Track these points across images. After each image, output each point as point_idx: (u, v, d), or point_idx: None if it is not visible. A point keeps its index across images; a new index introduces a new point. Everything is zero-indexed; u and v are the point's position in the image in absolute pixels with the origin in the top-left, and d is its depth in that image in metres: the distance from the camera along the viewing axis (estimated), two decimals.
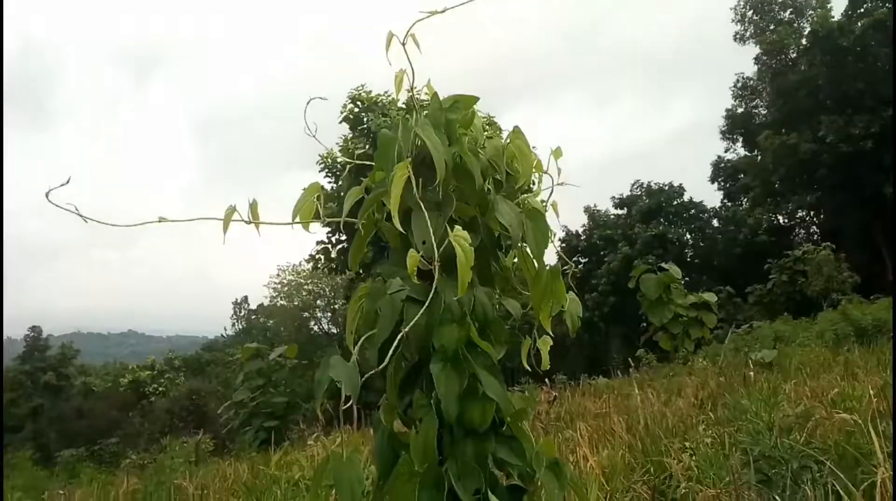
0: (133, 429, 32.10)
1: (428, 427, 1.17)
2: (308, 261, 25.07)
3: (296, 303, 48.64)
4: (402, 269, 1.32)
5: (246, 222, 1.30)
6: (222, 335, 53.80)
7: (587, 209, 34.92)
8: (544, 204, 1.53)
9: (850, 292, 19.62)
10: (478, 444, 1.22)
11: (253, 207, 1.30)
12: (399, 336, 1.16)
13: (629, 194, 34.97)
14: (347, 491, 1.06)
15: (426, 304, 1.21)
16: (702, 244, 33.43)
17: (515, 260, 1.54)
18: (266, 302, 50.39)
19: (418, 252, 1.22)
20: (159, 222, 1.26)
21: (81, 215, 1.27)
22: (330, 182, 22.76)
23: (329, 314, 47.40)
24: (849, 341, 12.67)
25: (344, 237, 22.71)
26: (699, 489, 2.94)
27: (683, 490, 3.01)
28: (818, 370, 8.28)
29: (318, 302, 48.32)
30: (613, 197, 35.32)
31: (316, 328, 47.81)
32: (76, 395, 40.59)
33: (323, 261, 23.86)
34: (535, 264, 1.44)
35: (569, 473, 1.29)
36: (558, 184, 1.49)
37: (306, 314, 48.36)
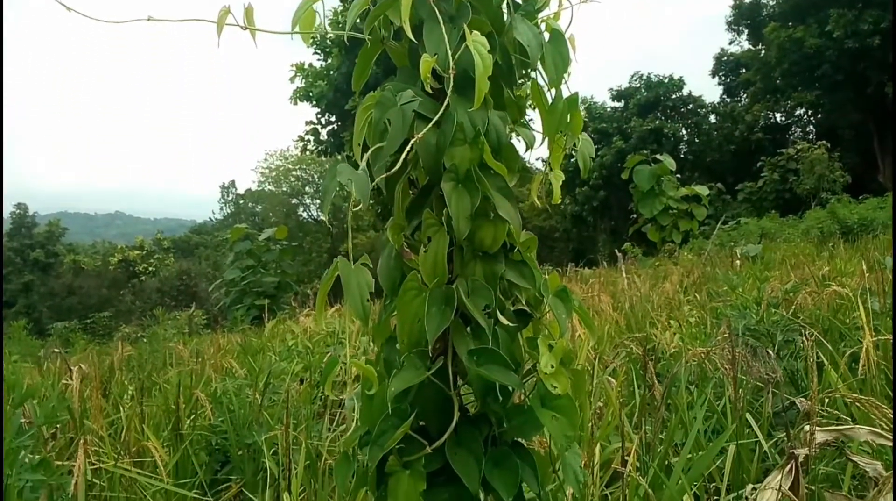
0: (125, 307, 32.65)
1: (438, 244, 1.12)
2: (296, 142, 24.57)
3: (284, 189, 48.34)
4: (411, 85, 1.22)
5: (241, 27, 1.19)
6: (210, 219, 53.84)
7: (584, 101, 34.18)
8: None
9: (840, 192, 19.72)
10: (488, 265, 1.18)
11: (248, 12, 1.18)
12: (409, 145, 1.08)
13: (628, 86, 34.16)
14: (356, 295, 1.02)
15: (436, 118, 1.13)
16: (697, 140, 33.08)
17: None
18: (254, 187, 50.09)
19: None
20: (148, 20, 1.16)
21: (66, 6, 1.15)
22: (319, 59, 21.93)
23: (318, 201, 47.24)
24: (834, 238, 12.87)
25: (334, 118, 22.15)
26: (688, 348, 3.01)
27: (674, 350, 3.09)
28: (802, 263, 8.41)
29: (307, 189, 48.02)
30: (611, 89, 34.51)
31: (305, 214, 47.80)
32: (66, 273, 40.94)
33: (312, 142, 23.39)
34: (552, 93, 1.34)
35: (576, 301, 1.25)
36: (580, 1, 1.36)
37: (295, 201, 48.19)
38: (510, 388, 1.24)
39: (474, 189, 1.15)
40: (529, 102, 1.44)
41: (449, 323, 1.10)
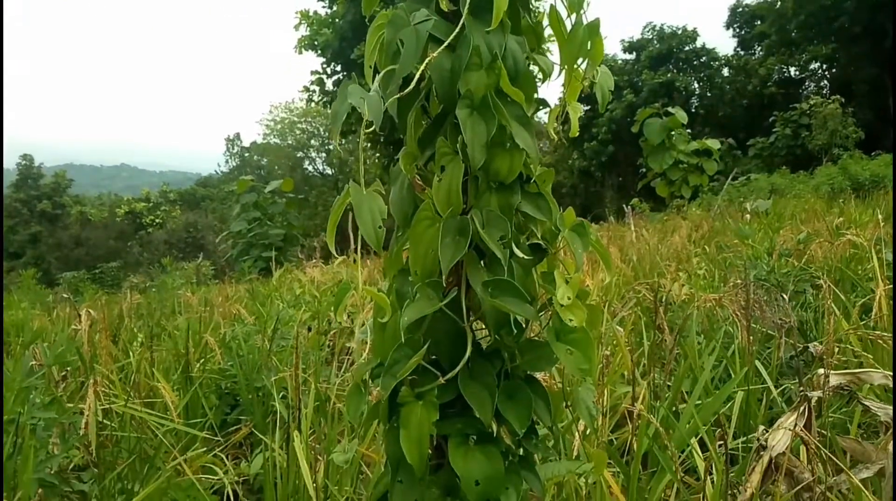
0: (132, 258, 32.85)
1: (452, 172, 1.08)
2: (301, 92, 24.21)
3: (289, 142, 47.98)
4: (425, 5, 1.16)
5: None
6: (216, 172, 53.69)
7: None
8: None
9: (852, 148, 19.43)
10: (503, 196, 1.14)
11: None
12: (423, 65, 1.03)
13: (640, 37, 33.40)
14: (368, 221, 0.99)
15: (450, 40, 1.08)
16: (709, 94, 32.48)
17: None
18: (259, 140, 49.75)
19: None
20: None
21: None
22: (324, 6, 21.44)
23: (324, 155, 46.93)
24: (845, 194, 12.73)
25: (339, 68, 21.78)
26: (699, 296, 3.00)
27: (684, 298, 3.07)
28: (812, 218, 8.34)
29: (313, 142, 47.65)
30: (623, 40, 33.78)
31: (311, 168, 47.56)
32: (73, 224, 41.09)
33: (317, 93, 23.06)
34: (571, 19, 1.28)
35: (592, 236, 1.22)
36: None
37: (300, 154, 47.88)
38: (524, 322, 1.22)
39: (490, 116, 1.11)
40: (548, 33, 1.38)
41: (463, 254, 1.07)
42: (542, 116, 1.41)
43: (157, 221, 40.51)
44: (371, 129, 0.96)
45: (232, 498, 2.55)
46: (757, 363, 2.50)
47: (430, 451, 1.12)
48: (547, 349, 1.23)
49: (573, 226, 1.23)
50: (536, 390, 1.20)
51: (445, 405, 1.17)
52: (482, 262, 1.16)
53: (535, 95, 1.26)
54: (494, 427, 1.17)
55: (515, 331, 1.15)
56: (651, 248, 6.25)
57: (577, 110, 1.42)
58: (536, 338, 1.26)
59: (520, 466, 1.19)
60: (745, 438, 2.28)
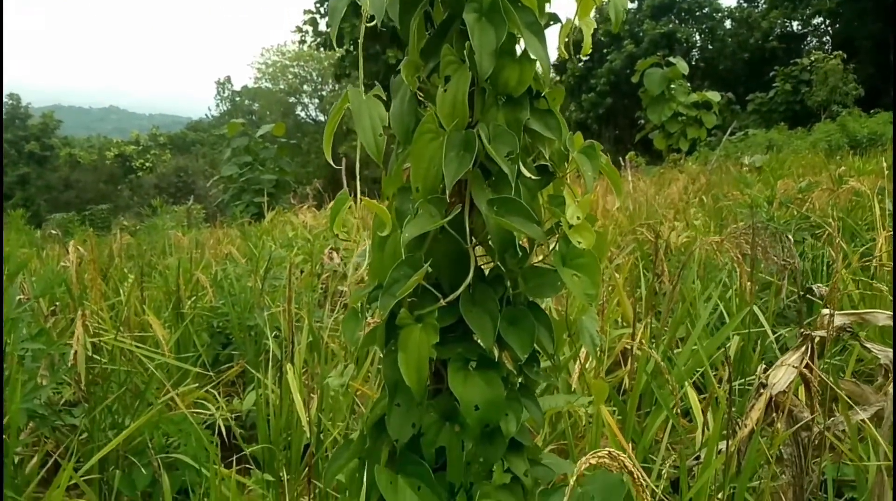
0: (122, 202, 32.53)
1: (458, 82, 1.01)
2: (294, 33, 23.55)
3: (281, 86, 47.08)
4: None
5: None
6: (206, 116, 52.79)
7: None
8: None
9: (851, 105, 19.24)
10: (511, 111, 1.07)
11: None
12: None
13: None
14: (368, 128, 0.92)
15: None
16: (710, 47, 31.92)
17: None
18: (250, 84, 48.76)
19: None
20: None
21: None
22: None
23: (317, 101, 46.14)
24: (842, 151, 12.65)
25: None
26: (700, 239, 2.96)
27: (684, 241, 3.03)
28: (810, 173, 8.28)
29: (305, 87, 46.76)
30: None
31: (303, 114, 46.81)
32: (62, 166, 40.51)
33: (310, 34, 22.44)
34: None
35: (602, 159, 1.16)
36: None
37: (292, 99, 47.05)
38: (528, 247, 1.17)
39: (500, 22, 1.03)
40: None
41: (467, 169, 1.01)
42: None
43: (147, 164, 39.98)
44: (372, 23, 0.88)
45: (224, 434, 2.53)
46: (755, 308, 2.48)
47: (428, 376, 1.09)
48: (551, 275, 1.18)
49: (583, 148, 1.16)
50: (539, 317, 1.16)
51: (445, 330, 1.13)
52: (487, 182, 1.10)
53: (547, 7, 1.18)
54: (496, 353, 1.13)
55: (520, 254, 1.10)
56: (648, 198, 6.19)
57: (590, 26, 1.33)
58: (540, 265, 1.21)
59: (520, 393, 1.16)
60: (741, 381, 2.27)
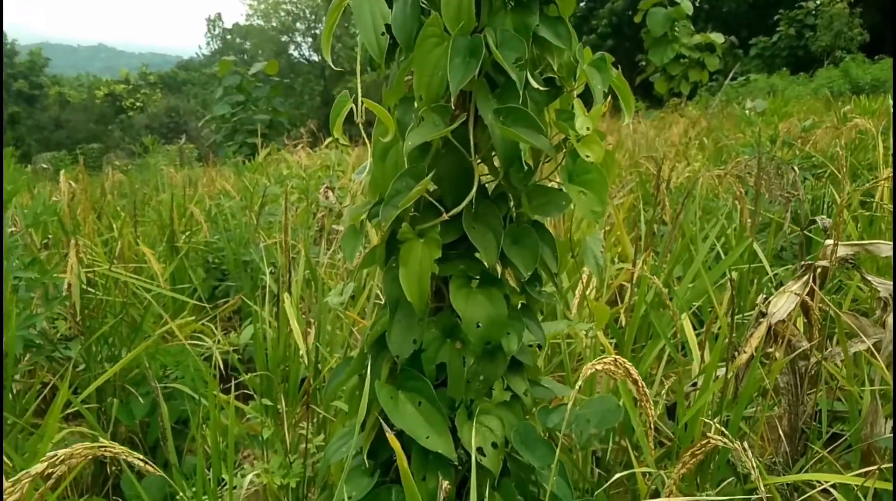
0: (113, 142, 32.04)
1: None
2: None
3: (273, 24, 45.85)
4: None
5: None
6: (197, 55, 51.56)
7: None
8: None
9: (855, 51, 18.90)
10: (519, 16, 1.02)
11: None
12: None
13: None
14: (369, 26, 0.88)
15: None
16: None
17: None
18: (242, 22, 47.49)
19: None
20: None
21: None
22: None
23: (310, 40, 45.00)
24: (844, 97, 12.50)
25: None
26: (702, 173, 2.92)
27: (687, 174, 3.00)
28: (811, 117, 8.17)
29: (298, 25, 45.55)
30: None
31: (296, 53, 45.73)
32: (52, 105, 39.72)
33: None
34: None
35: (613, 72, 1.11)
36: None
37: (285, 38, 45.90)
38: (532, 166, 1.13)
39: None
40: None
41: (473, 76, 0.96)
42: None
43: (138, 104, 39.23)
44: None
45: (222, 367, 2.53)
46: (755, 245, 2.46)
47: (429, 294, 1.07)
48: (556, 194, 1.15)
49: (593, 60, 1.11)
50: (543, 236, 1.13)
51: (448, 247, 1.11)
52: (493, 94, 1.06)
53: None
54: (499, 270, 1.11)
55: (525, 169, 1.06)
56: (648, 140, 6.12)
57: None
58: (545, 184, 1.18)
59: (522, 313, 1.14)
60: (739, 316, 2.27)
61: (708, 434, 0.84)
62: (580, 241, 1.22)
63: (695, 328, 2.30)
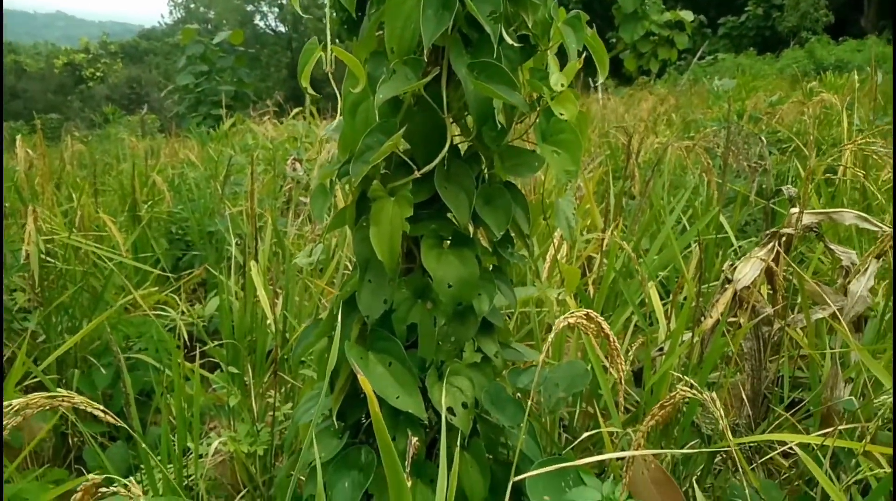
0: (73, 114, 31.07)
1: None
2: None
3: None
4: None
5: None
6: (159, 24, 50.09)
7: None
8: None
9: (820, 32, 19.19)
10: None
11: None
12: None
13: None
14: None
15: None
16: None
17: None
18: None
19: None
20: None
21: None
22: None
23: (276, 10, 44.00)
24: (809, 78, 12.70)
25: None
26: (673, 143, 2.94)
27: (656, 146, 3.02)
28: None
29: None
30: None
31: (262, 23, 44.72)
32: (7, 74, 38.23)
33: None
34: None
35: (588, 31, 1.09)
36: None
37: (251, 7, 44.82)
38: (505, 125, 1.12)
39: None
40: None
41: (446, 28, 0.94)
42: None
43: (98, 74, 38.01)
44: None
45: (187, 338, 2.49)
46: (721, 218, 2.49)
47: (400, 253, 1.05)
48: (529, 155, 1.14)
49: (567, 18, 1.10)
50: (516, 197, 1.12)
51: (419, 207, 1.09)
52: (466, 50, 1.03)
53: None
54: (471, 230, 1.10)
55: (498, 128, 1.05)
56: (618, 116, 6.14)
57: None
58: (518, 145, 1.16)
59: (493, 275, 1.13)
60: (705, 286, 2.31)
61: (676, 387, 0.84)
62: (553, 205, 1.21)
63: (662, 299, 2.34)
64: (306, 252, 1.12)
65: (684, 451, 1.18)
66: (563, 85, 0.97)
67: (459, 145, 1.16)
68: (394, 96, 1.03)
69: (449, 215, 1.09)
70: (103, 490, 0.82)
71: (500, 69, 0.96)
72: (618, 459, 1.07)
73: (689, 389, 0.82)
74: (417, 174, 0.99)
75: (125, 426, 1.40)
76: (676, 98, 8.64)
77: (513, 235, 1.16)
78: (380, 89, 0.91)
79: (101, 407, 0.94)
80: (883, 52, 11.44)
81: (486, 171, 1.15)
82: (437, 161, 0.99)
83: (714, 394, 0.82)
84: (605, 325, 0.90)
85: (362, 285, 1.05)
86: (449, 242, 1.07)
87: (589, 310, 0.92)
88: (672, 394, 0.85)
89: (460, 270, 1.04)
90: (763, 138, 2.38)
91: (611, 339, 0.91)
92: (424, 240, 1.05)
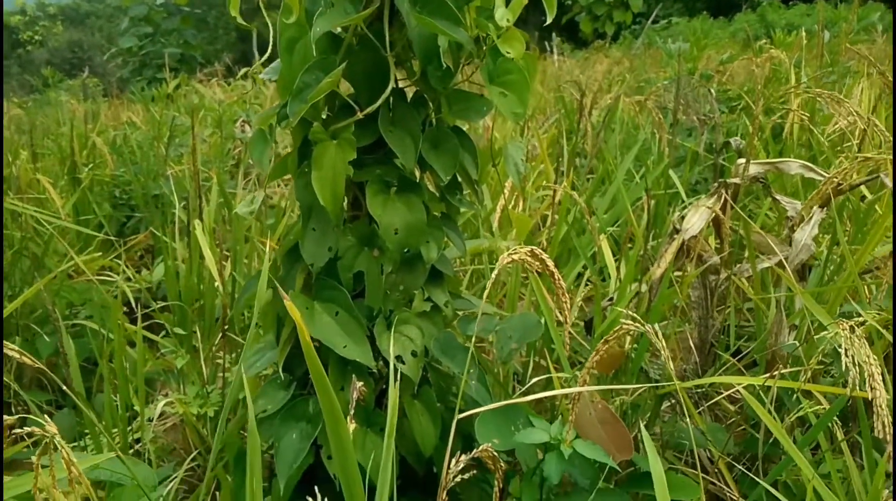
0: (10, 79, 29.58)
1: None
2: None
3: None
4: None
5: None
6: None
7: None
8: None
9: None
10: None
11: None
12: None
13: None
14: None
15: None
16: None
17: None
18: None
19: None
20: None
21: None
22: None
23: None
24: (760, 41, 12.88)
25: None
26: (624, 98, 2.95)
27: (609, 102, 3.02)
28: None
29: None
30: None
31: None
32: None
33: None
34: None
35: None
36: None
37: None
38: (452, 66, 1.08)
39: None
40: None
41: None
42: None
43: (37, 38, 36.14)
44: None
45: (133, 303, 2.41)
46: (671, 172, 2.51)
47: (344, 198, 1.02)
48: (476, 99, 1.11)
49: None
50: (464, 141, 1.10)
51: (364, 152, 1.06)
52: None
53: None
54: (417, 174, 1.07)
55: (444, 69, 1.01)
56: (574, 78, 6.12)
57: None
58: (465, 90, 1.13)
59: (442, 222, 1.11)
60: (654, 243, 2.33)
61: (622, 322, 0.84)
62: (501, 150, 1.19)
63: (613, 255, 2.36)
64: (247, 201, 1.08)
65: (628, 385, 1.20)
66: (508, 20, 0.94)
67: (406, 90, 1.12)
68: (334, 35, 0.98)
69: (396, 161, 1.06)
70: (18, 431, 0.78)
71: (443, 4, 0.92)
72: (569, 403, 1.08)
73: (631, 322, 0.82)
74: (360, 115, 0.95)
75: (70, 393, 1.35)
76: (631, 61, 8.67)
77: (461, 181, 1.14)
78: (316, 22, 0.87)
79: (26, 354, 0.89)
80: (831, 16, 11.65)
81: (433, 116, 1.12)
82: (380, 102, 0.95)
83: (657, 326, 0.82)
84: (549, 262, 0.89)
85: (306, 233, 1.02)
86: (395, 188, 1.04)
87: (533, 247, 0.91)
88: (615, 329, 0.85)
89: (407, 216, 1.01)
90: (712, 91, 2.39)
91: (555, 277, 0.90)
92: (370, 185, 1.01)
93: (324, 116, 1.03)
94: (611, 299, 1.63)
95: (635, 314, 0.81)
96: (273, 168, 1.10)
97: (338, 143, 0.96)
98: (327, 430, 0.80)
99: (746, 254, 1.83)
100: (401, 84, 1.11)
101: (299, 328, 0.75)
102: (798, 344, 1.51)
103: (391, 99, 1.06)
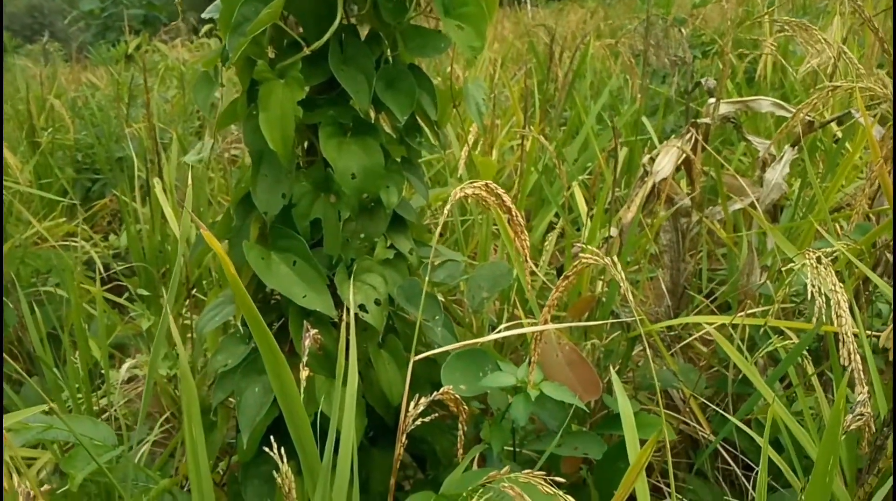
0: None
1: None
2: None
3: None
4: None
5: None
6: None
7: None
8: None
9: None
10: None
11: None
12: None
13: None
14: None
15: None
16: None
17: None
18: None
19: None
20: None
21: None
22: None
23: None
24: None
25: None
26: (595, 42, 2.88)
27: (581, 47, 2.95)
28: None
29: None
30: None
31: None
32: None
33: None
34: None
35: None
36: None
37: None
38: (406, 3, 1.03)
39: None
40: None
41: None
42: None
43: None
44: None
45: (101, 269, 2.35)
46: (644, 118, 2.48)
47: (295, 139, 0.97)
48: (433, 35, 1.06)
49: None
50: (421, 80, 1.05)
51: (316, 92, 1.01)
52: None
53: None
54: (372, 115, 1.03)
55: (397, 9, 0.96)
56: (547, 28, 6.01)
57: None
58: (421, 26, 1.08)
59: (402, 166, 1.07)
60: (625, 191, 2.31)
61: (580, 256, 0.82)
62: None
63: (587, 203, 2.33)
64: (196, 149, 1.03)
65: (593, 322, 1.18)
66: None
67: (359, 27, 1.06)
68: None
69: (351, 102, 1.01)
70: None
71: None
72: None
73: (590, 256, 0.79)
74: (307, 51, 0.90)
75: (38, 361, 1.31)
76: (605, 10, 8.53)
77: (421, 123, 1.09)
78: None
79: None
80: None
81: (388, 54, 1.07)
82: (327, 36, 0.90)
83: (616, 258, 0.79)
84: (505, 197, 0.86)
85: (257, 179, 0.97)
86: (351, 131, 1.00)
87: (488, 181, 0.88)
88: (575, 264, 0.82)
89: (363, 159, 0.97)
90: (682, 31, 2.34)
91: (513, 212, 0.87)
92: (322, 127, 0.97)
93: (272, 56, 0.98)
94: (581, 244, 1.61)
95: (595, 249, 0.79)
96: (222, 114, 1.05)
97: (285, 82, 0.91)
98: (268, 375, 0.77)
99: (719, 198, 1.82)
100: (354, 21, 1.05)
101: (225, 266, 0.71)
102: (770, 285, 1.51)
103: (342, 36, 1.01)
